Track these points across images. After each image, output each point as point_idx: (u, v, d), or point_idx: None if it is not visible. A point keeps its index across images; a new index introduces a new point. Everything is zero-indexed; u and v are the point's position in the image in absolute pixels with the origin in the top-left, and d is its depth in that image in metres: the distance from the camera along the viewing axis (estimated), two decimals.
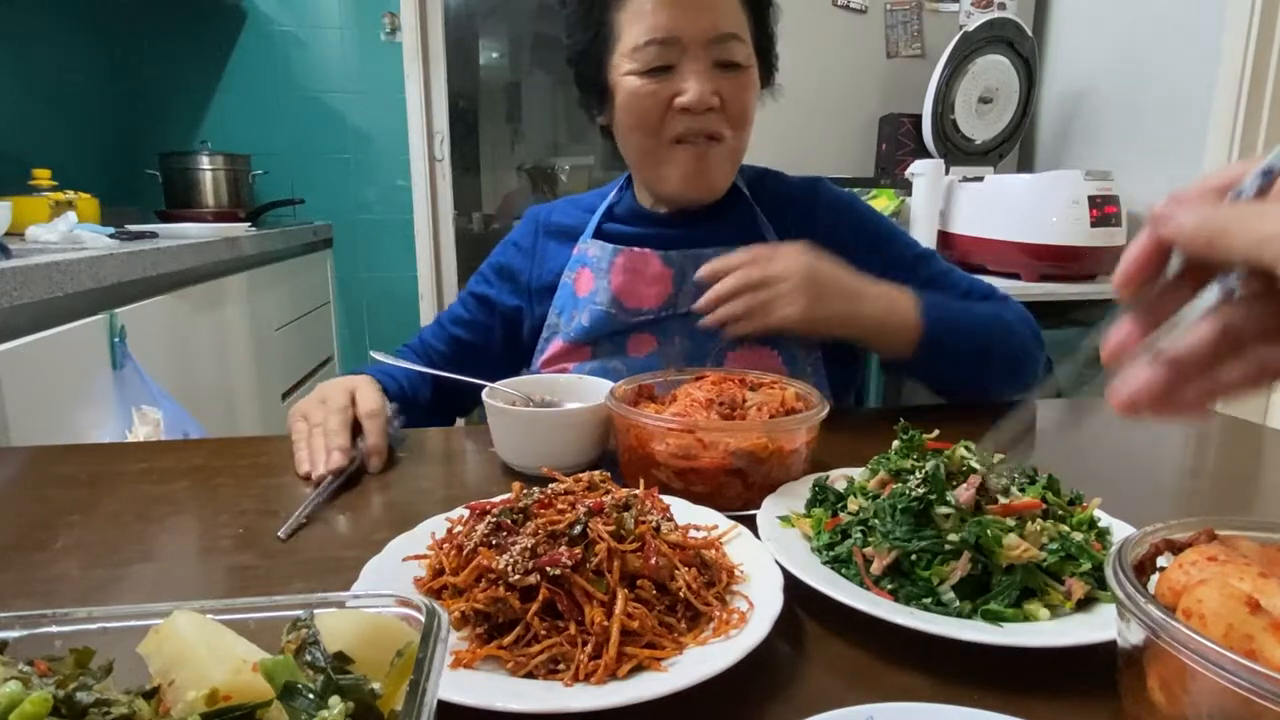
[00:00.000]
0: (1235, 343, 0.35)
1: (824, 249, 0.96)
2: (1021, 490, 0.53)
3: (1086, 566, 0.48)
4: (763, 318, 0.80)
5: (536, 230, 1.06)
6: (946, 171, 2.12)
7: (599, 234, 1.00)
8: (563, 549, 0.44)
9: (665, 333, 0.94)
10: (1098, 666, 0.41)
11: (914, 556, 0.49)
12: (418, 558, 0.50)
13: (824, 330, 0.83)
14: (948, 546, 0.48)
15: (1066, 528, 0.51)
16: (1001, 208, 2.02)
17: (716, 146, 0.89)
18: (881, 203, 2.13)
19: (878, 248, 0.98)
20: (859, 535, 0.52)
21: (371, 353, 0.89)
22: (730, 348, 0.93)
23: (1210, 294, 0.34)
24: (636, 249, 0.95)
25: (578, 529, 0.45)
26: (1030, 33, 2.12)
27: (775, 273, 0.80)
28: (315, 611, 0.31)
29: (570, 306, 0.98)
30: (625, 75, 0.87)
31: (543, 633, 0.42)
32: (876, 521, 0.51)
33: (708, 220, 0.98)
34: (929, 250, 1.02)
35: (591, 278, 0.97)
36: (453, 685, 0.38)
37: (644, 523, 0.47)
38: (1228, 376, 0.35)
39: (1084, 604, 0.47)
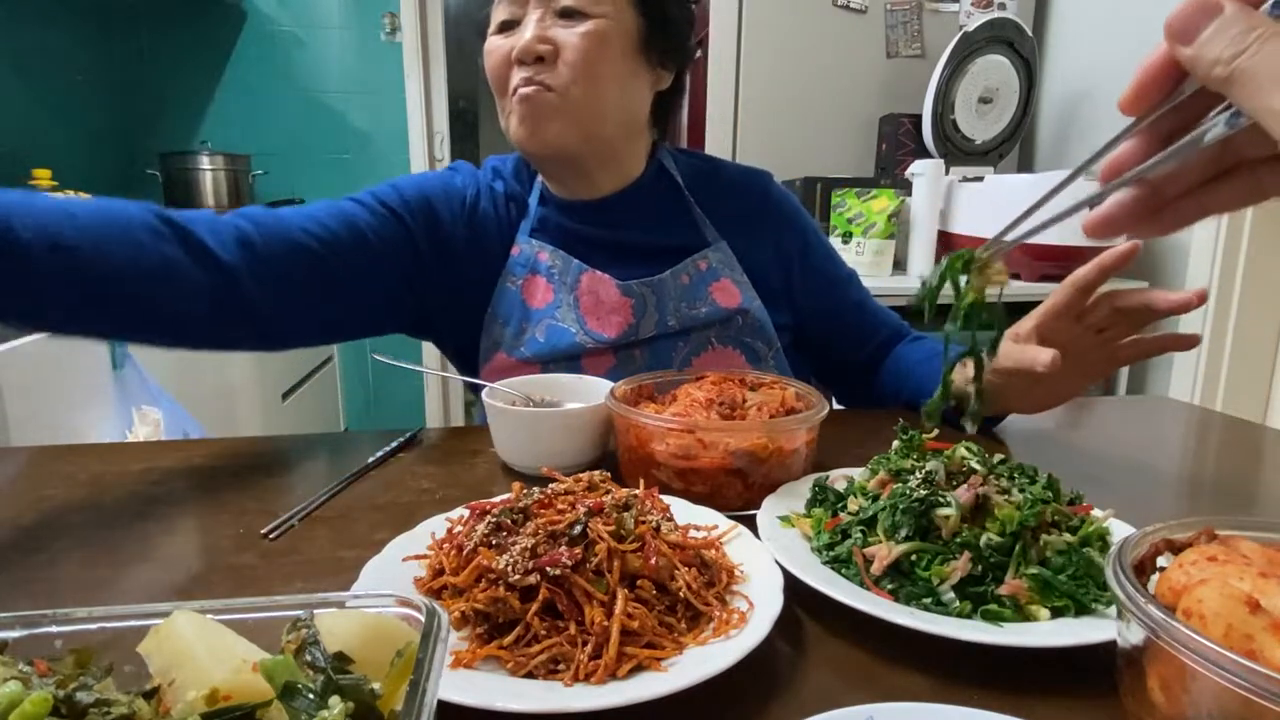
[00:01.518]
0: (1232, 166, 0.32)
1: (763, 247, 0.96)
2: (1022, 491, 0.53)
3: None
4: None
5: (479, 194, 0.95)
6: (946, 171, 2.12)
7: (535, 232, 0.93)
8: (563, 549, 0.44)
9: (625, 351, 0.90)
10: (1098, 666, 0.41)
11: (914, 556, 0.49)
12: (418, 558, 0.50)
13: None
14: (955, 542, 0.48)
15: (1072, 537, 0.50)
16: (1001, 208, 2.02)
17: (546, 96, 0.81)
18: (881, 203, 2.12)
19: (820, 258, 0.99)
20: (859, 535, 0.52)
21: (371, 353, 0.89)
22: (696, 352, 0.91)
23: (1216, 125, 0.30)
24: (597, 272, 0.90)
25: (578, 529, 0.45)
26: (1030, 33, 2.13)
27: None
28: (315, 611, 0.31)
29: (519, 317, 0.90)
30: (488, 38, 0.86)
31: (543, 633, 0.42)
32: (882, 515, 0.51)
33: (632, 208, 0.92)
34: (853, 272, 1.02)
35: (549, 290, 0.90)
36: (453, 685, 0.38)
37: (644, 523, 0.47)
38: (1215, 197, 0.33)
39: (1084, 604, 0.47)
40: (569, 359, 0.89)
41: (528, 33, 0.80)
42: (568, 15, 0.81)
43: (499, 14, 0.84)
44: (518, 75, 0.81)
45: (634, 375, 0.78)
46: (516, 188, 0.97)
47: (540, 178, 0.95)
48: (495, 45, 0.84)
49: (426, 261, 0.90)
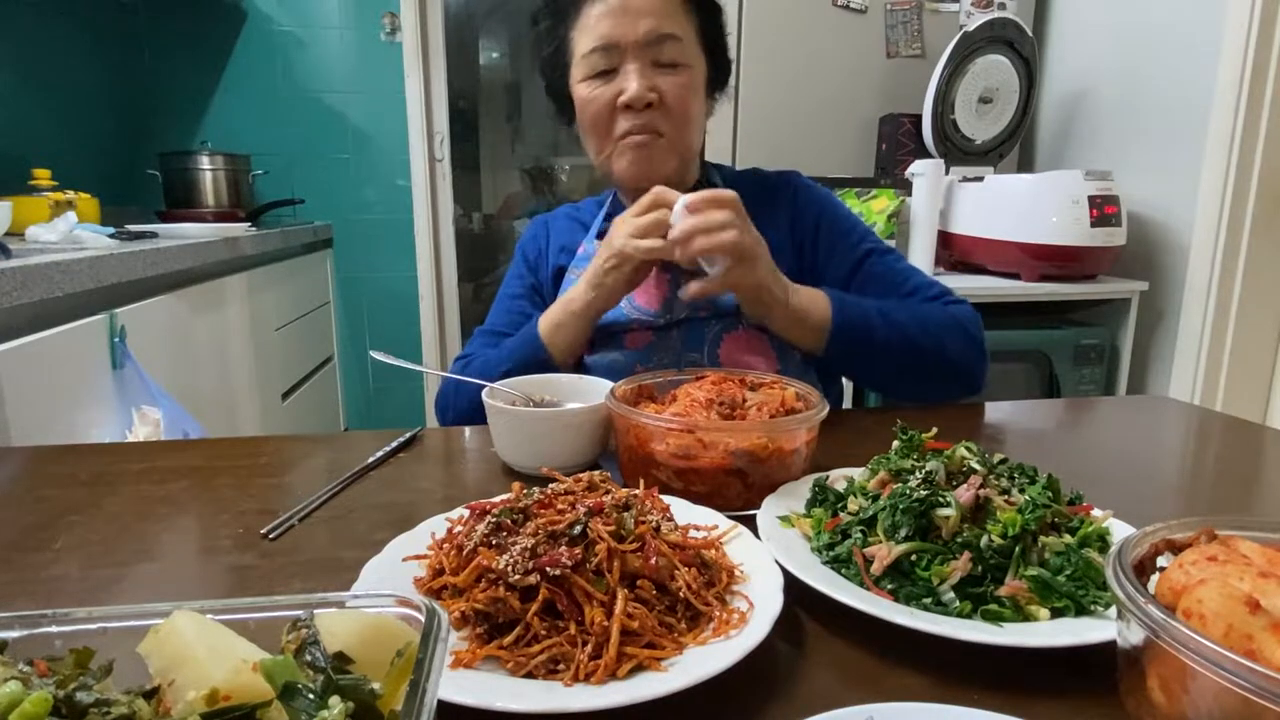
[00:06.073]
0: None
1: (790, 231, 1.02)
2: (1022, 491, 0.53)
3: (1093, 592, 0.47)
4: (737, 271, 0.82)
5: (549, 234, 1.11)
6: (946, 171, 2.12)
7: (601, 235, 1.03)
8: (563, 549, 0.44)
9: (662, 328, 0.98)
10: (1098, 666, 0.41)
11: (914, 556, 0.49)
12: (418, 558, 0.50)
13: (756, 308, 0.88)
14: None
15: (1071, 539, 0.50)
16: (1001, 208, 2.02)
17: (658, 141, 0.93)
18: (881, 203, 2.12)
19: (838, 236, 1.03)
20: (859, 535, 0.52)
21: (371, 352, 0.89)
22: (727, 330, 0.97)
23: None
24: None
25: (578, 529, 0.45)
26: (1030, 33, 2.12)
27: (754, 235, 0.84)
28: (315, 611, 0.31)
29: None
30: (578, 83, 0.95)
31: (543, 633, 0.42)
32: (882, 515, 0.51)
33: None
34: (890, 246, 1.06)
35: None
36: (453, 685, 0.38)
37: (644, 523, 0.47)
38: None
39: (1083, 606, 0.47)
40: (614, 334, 0.99)
41: (633, 82, 0.90)
42: (664, 65, 0.92)
43: (594, 62, 0.92)
44: (625, 121, 0.92)
45: (637, 374, 0.79)
46: (591, 211, 1.12)
47: (613, 197, 1.09)
48: (597, 93, 0.93)
49: (541, 292, 1.09)
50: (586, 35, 0.92)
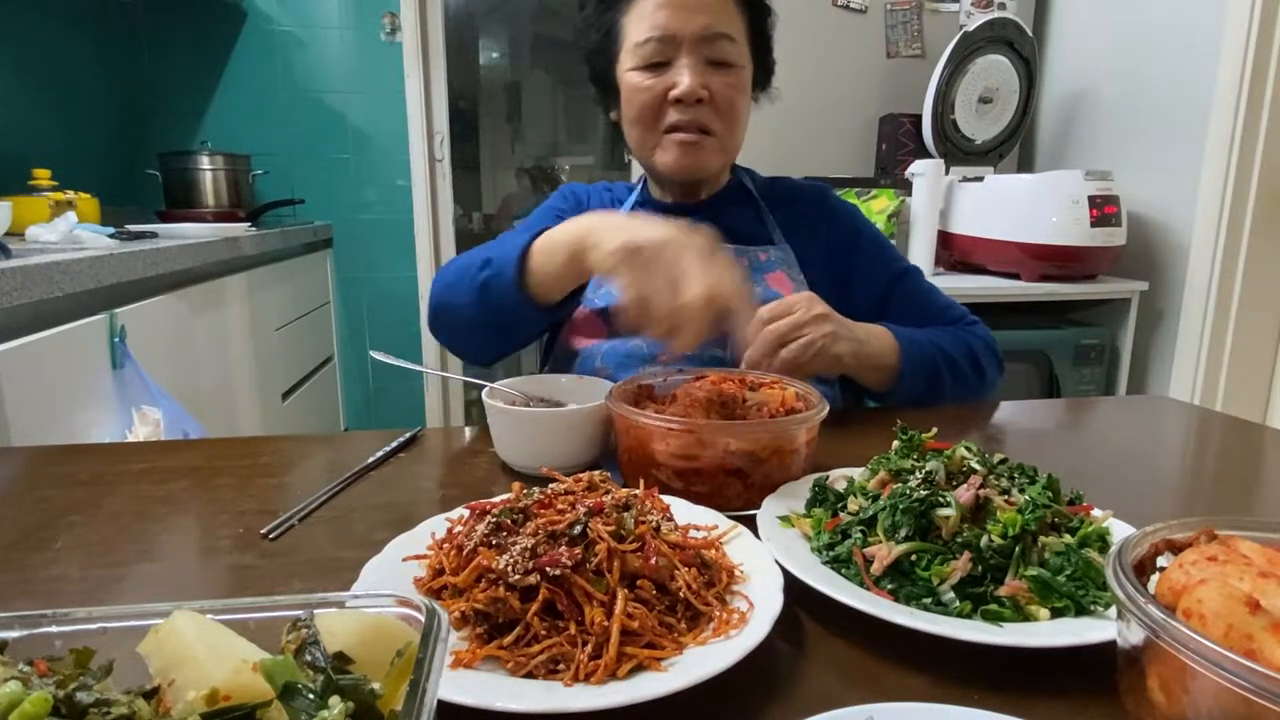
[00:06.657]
0: None
1: (826, 246, 1.04)
2: (1022, 491, 0.53)
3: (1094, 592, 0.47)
4: (820, 362, 0.82)
5: (580, 205, 1.10)
6: (946, 171, 2.12)
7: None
8: (563, 549, 0.44)
9: None
10: (1098, 666, 0.41)
11: (914, 556, 0.49)
12: (418, 558, 0.50)
13: (833, 367, 0.87)
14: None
15: (1071, 539, 0.50)
16: (1001, 208, 2.02)
17: (707, 140, 0.94)
18: (881, 203, 2.13)
19: (872, 256, 1.05)
20: (859, 535, 0.52)
21: (371, 352, 0.89)
22: None
23: None
24: None
25: (578, 529, 0.45)
26: (1030, 33, 2.13)
27: (808, 318, 0.82)
28: (315, 611, 0.31)
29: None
30: (628, 71, 0.95)
31: (543, 633, 0.42)
32: (882, 515, 0.51)
33: (718, 212, 1.03)
34: (915, 266, 1.08)
35: None
36: (453, 685, 0.38)
37: (644, 523, 0.47)
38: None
39: (1083, 606, 0.47)
40: None
41: (686, 77, 0.91)
42: (717, 65, 0.93)
43: (648, 53, 0.93)
44: (675, 115, 0.93)
45: (637, 374, 0.79)
46: (623, 194, 1.12)
47: (641, 189, 1.10)
48: (646, 83, 0.93)
49: None
50: (642, 24, 0.92)
